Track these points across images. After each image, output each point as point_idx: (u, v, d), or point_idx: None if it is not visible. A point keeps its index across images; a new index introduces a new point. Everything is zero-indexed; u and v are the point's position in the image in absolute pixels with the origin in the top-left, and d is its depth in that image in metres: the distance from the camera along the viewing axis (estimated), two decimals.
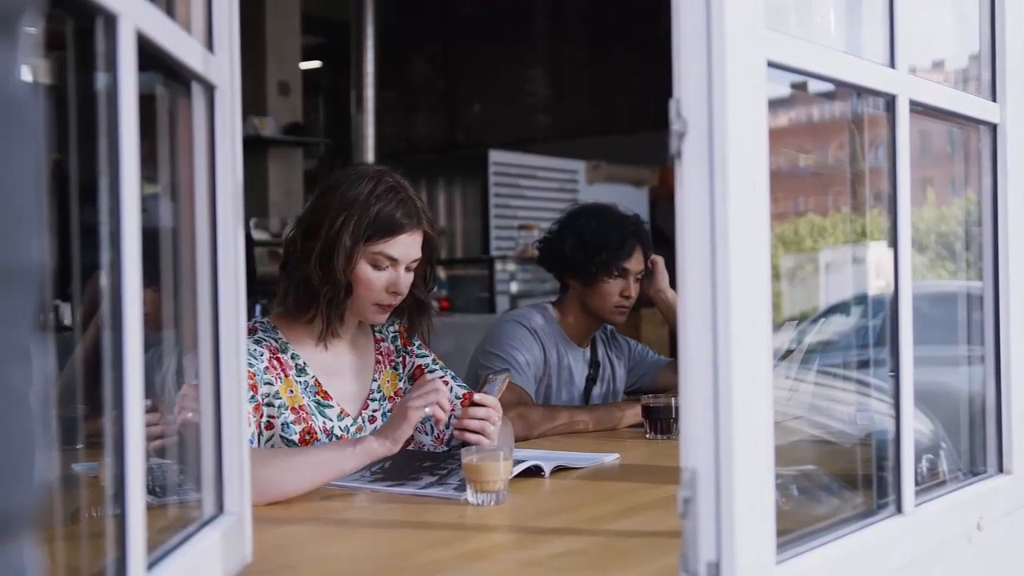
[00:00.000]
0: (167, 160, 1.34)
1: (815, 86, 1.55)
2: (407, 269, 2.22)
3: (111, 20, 0.99)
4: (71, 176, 1.05)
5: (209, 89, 1.34)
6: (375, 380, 2.33)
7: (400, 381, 2.37)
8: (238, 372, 1.38)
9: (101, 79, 1.01)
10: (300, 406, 2.17)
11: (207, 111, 1.34)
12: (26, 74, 0.58)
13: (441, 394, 2.01)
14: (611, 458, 2.34)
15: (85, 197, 1.05)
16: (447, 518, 1.79)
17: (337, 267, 2.14)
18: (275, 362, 2.16)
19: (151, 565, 1.09)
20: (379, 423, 2.28)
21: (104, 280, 1.00)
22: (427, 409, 1.98)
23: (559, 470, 2.17)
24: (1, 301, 0.55)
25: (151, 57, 1.11)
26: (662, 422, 2.64)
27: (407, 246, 2.20)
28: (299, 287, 2.19)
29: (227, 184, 1.36)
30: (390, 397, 2.34)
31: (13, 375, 0.56)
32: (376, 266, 2.18)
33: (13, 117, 0.56)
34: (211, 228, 1.35)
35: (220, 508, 1.36)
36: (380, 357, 2.36)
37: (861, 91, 1.54)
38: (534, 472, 2.11)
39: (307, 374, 2.21)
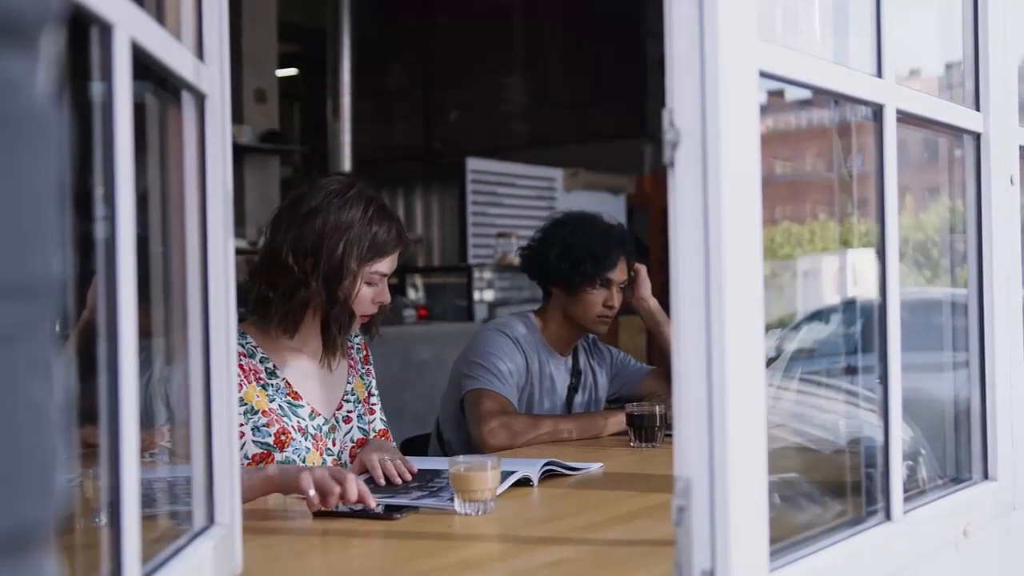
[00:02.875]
0: (156, 169, 1.34)
1: (791, 94, 1.56)
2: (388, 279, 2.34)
3: (106, 29, 0.98)
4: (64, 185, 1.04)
5: (200, 98, 1.33)
6: (349, 383, 2.41)
7: (365, 390, 2.47)
8: (228, 383, 1.38)
9: (95, 87, 1.01)
10: (271, 408, 2.22)
11: (197, 120, 1.34)
12: (47, 86, 0.58)
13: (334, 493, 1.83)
14: (596, 467, 2.35)
15: (77, 206, 1.04)
16: (436, 528, 1.79)
17: (344, 291, 2.23)
18: (239, 369, 2.18)
19: None
20: (354, 423, 2.38)
21: (100, 290, 0.99)
22: (311, 493, 1.81)
23: (548, 476, 2.17)
24: (23, 314, 0.55)
25: (142, 66, 1.10)
26: (646, 430, 2.64)
27: (395, 260, 2.33)
28: (299, 308, 2.24)
29: (217, 193, 1.36)
30: (363, 400, 2.44)
31: (35, 388, 0.55)
32: (369, 283, 2.28)
33: (34, 130, 0.56)
34: (201, 237, 1.34)
35: (211, 519, 1.35)
36: (352, 362, 2.45)
37: (849, 100, 1.55)
38: (522, 482, 2.11)
39: (278, 377, 2.27)
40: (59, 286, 0.58)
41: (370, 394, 2.49)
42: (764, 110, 1.51)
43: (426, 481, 2.12)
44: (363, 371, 2.48)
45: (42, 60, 0.57)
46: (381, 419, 2.50)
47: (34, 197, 0.56)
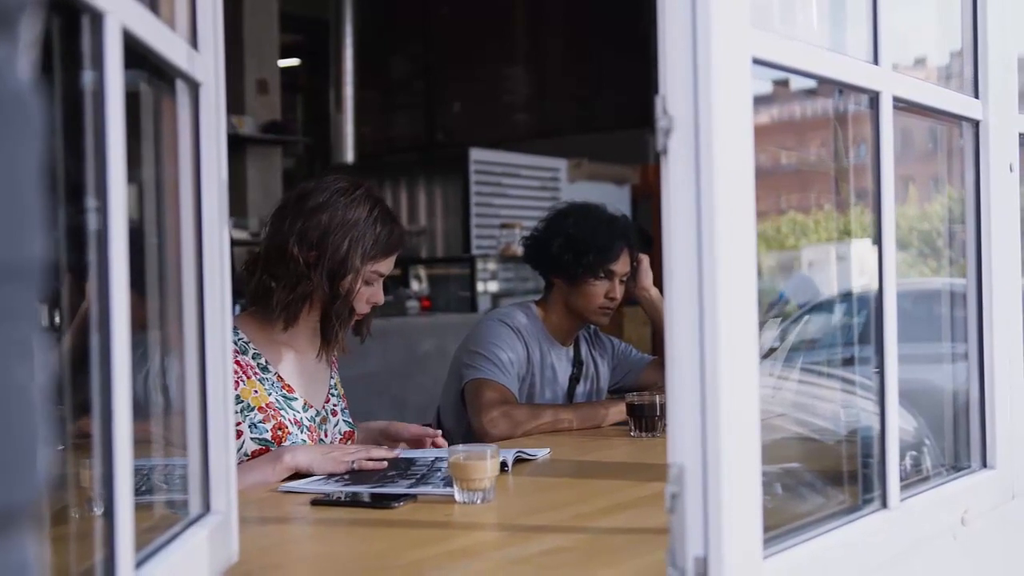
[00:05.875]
0: (151, 159, 1.34)
1: (796, 83, 1.55)
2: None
3: (97, 17, 0.98)
4: (55, 175, 1.04)
5: (194, 87, 1.33)
6: (332, 378, 2.47)
7: (341, 387, 2.52)
8: (224, 372, 1.38)
9: (87, 76, 1.01)
10: (267, 404, 2.26)
11: (192, 109, 1.34)
12: (26, 70, 0.58)
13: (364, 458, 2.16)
14: (544, 452, 2.38)
15: (69, 197, 1.04)
16: (433, 517, 1.79)
17: (346, 287, 2.27)
18: (235, 365, 2.20)
19: (139, 564, 1.08)
20: (340, 416, 2.44)
21: (92, 281, 0.99)
22: (354, 465, 2.12)
23: (519, 462, 2.23)
24: (5, 296, 0.55)
25: (135, 55, 1.10)
26: (647, 420, 2.64)
27: (392, 262, 2.37)
28: (300, 300, 2.27)
29: (212, 183, 1.36)
30: (343, 395, 2.49)
31: (17, 370, 0.56)
32: (367, 282, 2.31)
33: (15, 114, 0.56)
34: (196, 227, 1.34)
35: (207, 507, 1.36)
36: (333, 360, 2.49)
37: (845, 88, 1.55)
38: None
39: (270, 371, 2.30)
40: (41, 269, 0.58)
41: (343, 394, 2.53)
42: (769, 99, 1.51)
43: (404, 469, 2.12)
44: (337, 368, 2.54)
45: (22, 45, 0.58)
46: (346, 421, 2.51)
47: (14, 181, 0.56)
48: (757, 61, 1.23)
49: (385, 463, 2.14)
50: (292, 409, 2.29)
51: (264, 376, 2.28)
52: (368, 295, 2.32)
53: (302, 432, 2.28)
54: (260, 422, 2.22)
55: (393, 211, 2.39)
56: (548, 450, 2.41)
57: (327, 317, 2.29)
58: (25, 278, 0.57)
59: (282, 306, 2.26)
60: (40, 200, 0.59)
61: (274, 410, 2.25)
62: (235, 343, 2.26)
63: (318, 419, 2.36)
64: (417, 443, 2.41)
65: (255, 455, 2.19)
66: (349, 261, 2.25)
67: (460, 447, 1.94)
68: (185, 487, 1.37)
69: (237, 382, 2.20)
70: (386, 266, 2.33)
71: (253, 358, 2.29)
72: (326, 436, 2.36)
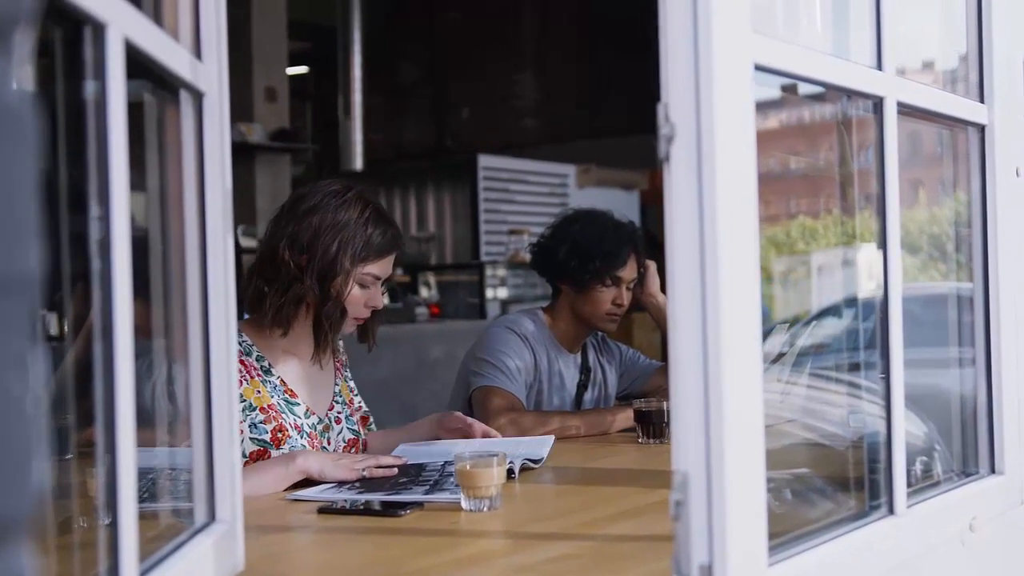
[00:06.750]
0: (155, 168, 1.34)
1: (805, 88, 1.55)
2: (383, 284, 2.37)
3: (99, 28, 0.98)
4: (58, 185, 1.04)
5: (197, 97, 1.33)
6: (336, 385, 2.46)
7: (351, 392, 2.51)
8: (229, 381, 1.38)
9: (89, 87, 1.01)
10: (269, 405, 2.26)
11: (195, 119, 1.34)
12: (22, 83, 0.58)
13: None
14: (548, 441, 2.41)
15: (72, 206, 1.05)
16: (440, 525, 1.79)
17: (336, 288, 2.26)
18: (239, 365, 2.20)
19: (143, 573, 1.09)
20: (344, 424, 2.43)
21: (95, 290, 1.00)
22: (365, 472, 2.11)
23: (525, 470, 2.22)
24: (1, 309, 0.55)
25: (139, 65, 1.11)
26: (654, 426, 2.63)
27: (390, 265, 2.36)
28: (292, 304, 2.27)
29: (216, 192, 1.36)
30: (348, 402, 2.48)
31: (11, 382, 0.56)
32: (362, 285, 2.31)
33: (10, 126, 0.56)
34: (200, 236, 1.35)
35: (212, 516, 1.36)
36: (338, 366, 2.49)
37: (848, 93, 1.55)
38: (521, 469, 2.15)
39: (273, 375, 2.30)
40: (37, 281, 0.59)
41: (354, 394, 2.53)
42: (778, 105, 1.51)
43: (415, 476, 2.12)
44: (346, 375, 2.53)
45: (16, 58, 0.58)
46: (351, 428, 2.51)
47: (9, 194, 0.56)
48: (759, 67, 1.23)
49: (395, 470, 2.14)
50: (293, 414, 2.29)
51: (267, 379, 2.28)
52: (366, 299, 2.31)
53: (302, 437, 2.28)
54: (261, 422, 2.23)
55: (385, 212, 2.38)
56: (552, 438, 2.42)
57: (319, 320, 2.29)
58: (21, 291, 0.57)
59: (274, 310, 2.26)
60: (36, 213, 0.59)
61: (275, 412, 2.25)
62: (240, 345, 2.27)
63: (320, 426, 2.35)
64: (465, 434, 2.44)
65: (253, 456, 2.20)
66: (339, 262, 2.25)
67: (467, 454, 1.94)
68: (190, 494, 1.37)
69: (240, 381, 2.21)
70: (380, 268, 2.32)
71: (257, 360, 2.29)
72: (329, 444, 2.36)
